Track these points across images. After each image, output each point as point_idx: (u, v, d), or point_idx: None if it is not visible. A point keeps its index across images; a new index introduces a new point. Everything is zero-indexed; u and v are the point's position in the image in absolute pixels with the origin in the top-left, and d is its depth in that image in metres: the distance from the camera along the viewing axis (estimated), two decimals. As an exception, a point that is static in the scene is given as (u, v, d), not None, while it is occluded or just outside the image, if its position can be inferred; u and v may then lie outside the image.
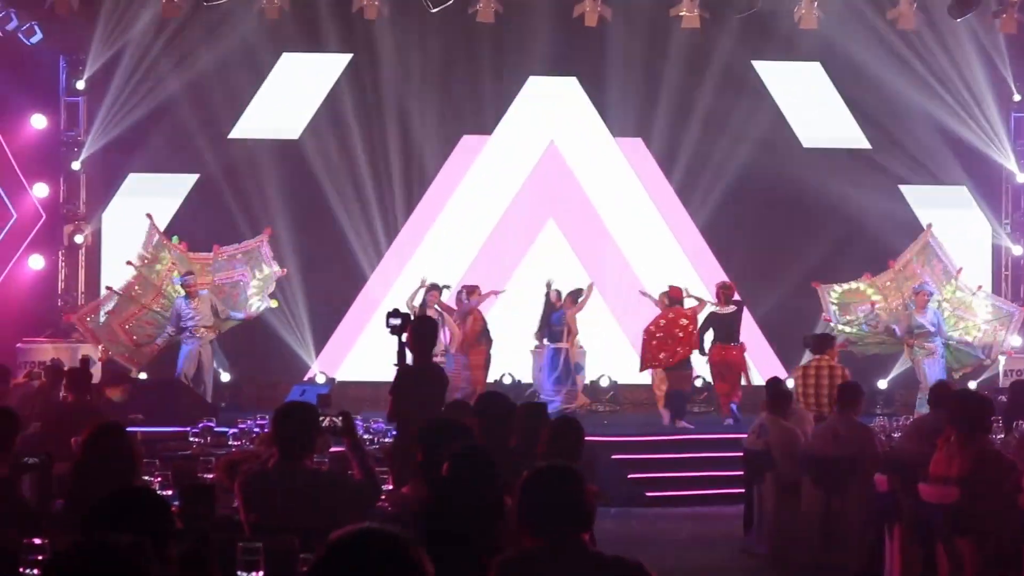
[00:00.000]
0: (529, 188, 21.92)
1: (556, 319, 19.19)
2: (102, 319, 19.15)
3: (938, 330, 18.79)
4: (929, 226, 20.09)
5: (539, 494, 4.98)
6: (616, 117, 21.85)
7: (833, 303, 19.66)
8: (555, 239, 21.83)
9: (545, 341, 19.35)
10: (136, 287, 19.17)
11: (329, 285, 21.30)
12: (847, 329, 19.47)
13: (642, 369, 19.09)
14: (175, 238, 19.64)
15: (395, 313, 10.99)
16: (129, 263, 19.21)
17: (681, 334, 18.65)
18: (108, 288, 19.36)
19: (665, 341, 18.64)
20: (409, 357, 10.95)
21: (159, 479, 8.00)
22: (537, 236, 21.87)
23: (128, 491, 5.37)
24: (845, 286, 19.86)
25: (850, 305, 19.67)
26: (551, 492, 4.98)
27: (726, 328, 19.00)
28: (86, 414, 11.60)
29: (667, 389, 18.73)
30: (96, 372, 18.04)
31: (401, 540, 3.09)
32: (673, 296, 18.93)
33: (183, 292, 18.61)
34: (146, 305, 19.06)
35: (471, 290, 19.23)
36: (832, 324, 19.48)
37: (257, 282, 19.34)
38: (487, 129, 21.92)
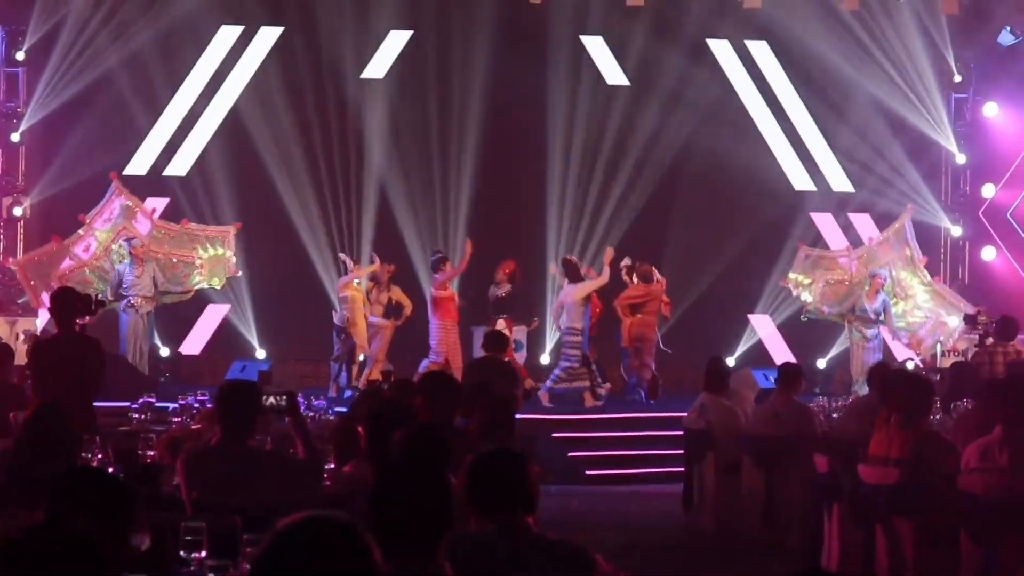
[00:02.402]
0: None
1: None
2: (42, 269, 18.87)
3: (882, 319, 18.85)
4: (910, 207, 20.24)
5: (486, 478, 5.10)
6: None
7: (800, 273, 19.83)
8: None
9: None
10: (83, 243, 18.93)
11: (269, 260, 21.09)
12: (804, 295, 19.73)
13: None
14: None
15: None
16: (82, 217, 19.00)
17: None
18: (55, 237, 19.08)
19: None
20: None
21: (100, 456, 7.94)
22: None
23: (90, 472, 5.31)
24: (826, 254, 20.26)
25: (818, 273, 19.82)
26: (498, 476, 5.09)
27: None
28: (7, 392, 11.48)
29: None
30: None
31: (350, 528, 3.08)
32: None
33: (128, 257, 18.38)
34: (89, 262, 18.84)
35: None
36: (791, 288, 19.96)
37: (205, 258, 19.03)
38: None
